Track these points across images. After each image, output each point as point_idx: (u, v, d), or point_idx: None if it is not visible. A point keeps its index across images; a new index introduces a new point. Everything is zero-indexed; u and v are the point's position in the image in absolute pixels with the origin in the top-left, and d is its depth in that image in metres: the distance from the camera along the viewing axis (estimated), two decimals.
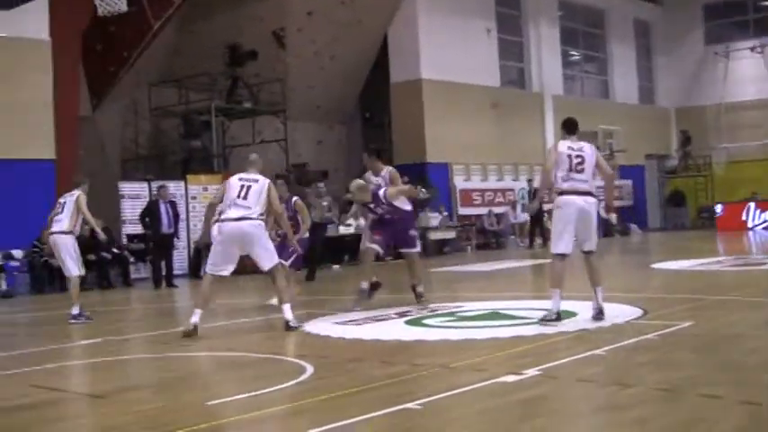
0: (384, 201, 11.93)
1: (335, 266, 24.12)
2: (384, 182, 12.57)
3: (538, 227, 27.95)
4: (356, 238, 25.55)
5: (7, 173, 20.28)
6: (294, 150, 28.58)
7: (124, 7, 11.70)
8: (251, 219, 10.41)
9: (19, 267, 20.50)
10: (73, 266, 13.33)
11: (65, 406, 6.84)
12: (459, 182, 30.79)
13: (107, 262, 20.95)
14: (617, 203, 37.28)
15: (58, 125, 21.66)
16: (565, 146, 9.79)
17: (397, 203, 12.09)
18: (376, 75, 31.35)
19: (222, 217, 10.58)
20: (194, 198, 23.60)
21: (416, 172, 26.54)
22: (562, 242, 9.63)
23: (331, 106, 31.29)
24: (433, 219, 28.14)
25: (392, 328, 10.13)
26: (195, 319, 10.23)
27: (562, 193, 9.68)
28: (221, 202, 10.71)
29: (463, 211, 30.76)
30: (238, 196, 10.46)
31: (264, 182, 10.69)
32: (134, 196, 23.04)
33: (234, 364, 8.49)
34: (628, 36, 40.52)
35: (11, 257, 20.16)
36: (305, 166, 28.57)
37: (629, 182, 38.44)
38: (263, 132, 28.26)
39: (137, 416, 6.22)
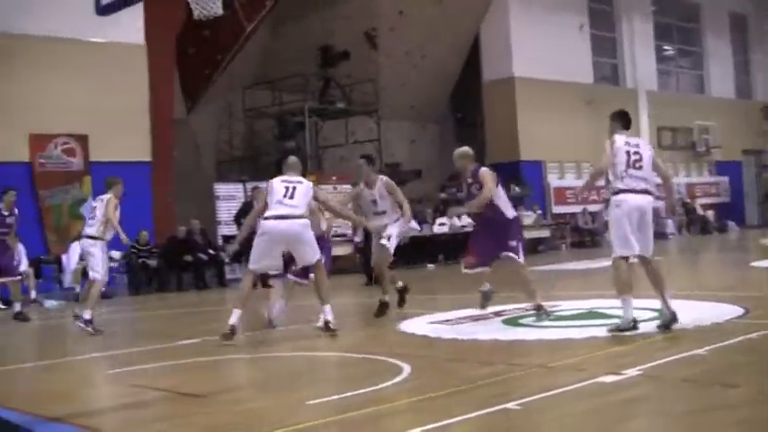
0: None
1: (430, 266, 24.11)
2: (380, 195, 11.73)
3: None
4: (450, 237, 25.62)
5: (107, 175, 20.64)
6: (387, 150, 28.60)
7: (220, 10, 11.80)
8: (296, 217, 10.15)
9: (117, 269, 20.90)
10: (97, 271, 13.13)
11: (167, 405, 6.91)
12: (553, 180, 30.56)
13: (203, 263, 21.25)
14: (714, 200, 36.73)
15: (154, 128, 22.08)
16: (622, 141, 9.02)
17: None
18: (468, 73, 31.26)
19: (266, 215, 10.26)
20: None
21: (510, 170, 26.43)
22: (625, 243, 8.83)
23: (423, 105, 31.26)
24: (527, 217, 27.94)
25: (489, 328, 10.05)
26: (234, 320, 9.97)
27: (619, 192, 8.90)
28: (266, 207, 10.37)
29: (557, 209, 30.52)
30: (285, 196, 10.21)
31: (308, 183, 10.52)
32: (229, 197, 23.33)
33: (331, 364, 8.52)
34: (723, 30, 39.71)
35: (109, 259, 20.53)
36: (398, 165, 28.60)
37: (726, 178, 37.72)
38: (356, 132, 28.34)
39: (239, 415, 6.25)
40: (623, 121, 9.30)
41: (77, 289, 18.93)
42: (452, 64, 31.13)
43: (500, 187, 10.56)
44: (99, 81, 20.84)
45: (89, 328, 12.32)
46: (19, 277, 15.89)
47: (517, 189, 27.81)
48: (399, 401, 6.46)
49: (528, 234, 27.69)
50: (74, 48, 20.65)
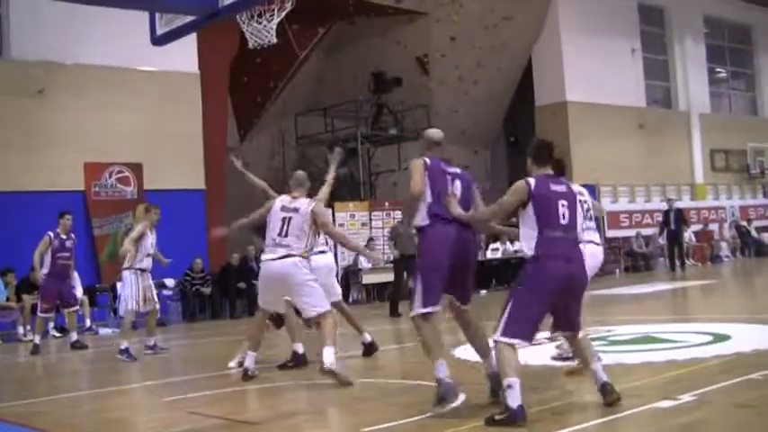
0: None
1: (482, 291, 24.02)
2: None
3: (677, 248, 27.21)
4: (503, 262, 25.55)
5: (160, 203, 20.84)
6: None
7: (274, 39, 11.86)
8: (288, 256, 9.38)
9: (171, 296, 21.08)
10: (123, 304, 13.66)
11: None
12: (607, 204, 30.34)
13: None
14: (763, 223, 36.19)
15: (207, 156, 22.24)
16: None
17: None
18: (520, 98, 31.21)
19: (262, 256, 9.73)
20: (342, 225, 23.80)
21: None
22: None
23: (475, 131, 31.23)
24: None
25: (542, 353, 9.99)
26: (248, 363, 9.61)
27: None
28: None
29: (611, 233, 30.28)
30: (279, 234, 9.54)
31: (307, 208, 9.58)
32: None
33: (386, 391, 8.49)
34: None
35: (164, 286, 20.71)
36: None
37: None
38: (408, 158, 28.35)
39: None
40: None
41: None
42: (504, 89, 31.08)
43: None
44: (153, 109, 21.09)
45: (124, 356, 12.74)
46: (77, 307, 16.07)
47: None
48: (455, 428, 6.41)
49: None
50: (128, 76, 20.92)
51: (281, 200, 9.84)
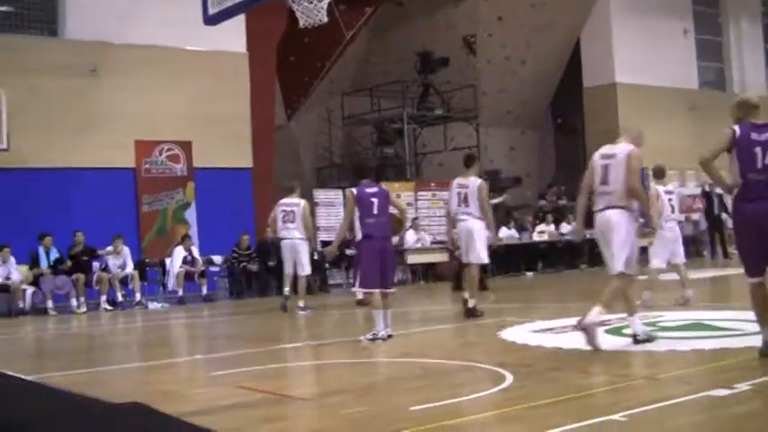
0: None
1: (528, 273, 23.97)
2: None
3: (718, 235, 26.73)
4: (549, 245, 25.45)
5: (208, 181, 21.08)
6: (486, 157, 28.46)
7: (324, 18, 11.92)
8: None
9: (219, 272, 21.23)
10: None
11: (272, 408, 6.96)
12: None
13: None
14: None
15: (255, 134, 22.35)
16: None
17: None
18: (568, 79, 30.98)
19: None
20: None
21: None
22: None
23: (523, 111, 31.08)
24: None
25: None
26: (637, 328, 9.20)
27: None
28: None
29: None
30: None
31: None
32: (328, 204, 23.45)
33: (433, 371, 8.50)
34: None
35: (211, 263, 20.88)
36: (498, 172, 28.49)
37: None
38: (454, 139, 28.32)
39: (343, 419, 6.27)
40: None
41: (180, 292, 19.30)
42: (552, 70, 30.88)
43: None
44: (202, 89, 21.21)
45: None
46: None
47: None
48: (503, 409, 6.41)
49: None
50: (177, 56, 21.07)
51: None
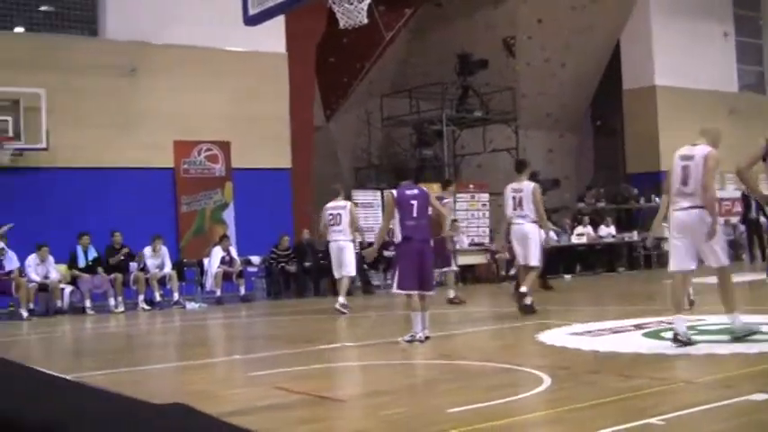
0: None
1: (567, 276, 23.86)
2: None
3: (757, 239, 26.26)
4: (588, 247, 25.34)
5: (248, 181, 21.16)
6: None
7: (365, 19, 11.96)
8: None
9: (257, 273, 21.29)
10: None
11: (309, 409, 6.98)
12: None
13: None
14: None
15: (294, 135, 22.42)
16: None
17: None
18: (607, 81, 30.84)
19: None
20: None
21: (650, 181, 25.94)
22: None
23: (561, 114, 30.95)
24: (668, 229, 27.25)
25: (629, 341, 9.85)
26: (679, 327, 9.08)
27: None
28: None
29: None
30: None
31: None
32: (367, 204, 23.43)
33: (471, 373, 8.48)
34: None
35: (249, 263, 20.94)
36: (536, 174, 28.32)
37: None
38: (493, 141, 28.24)
39: (381, 420, 6.26)
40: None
41: (218, 292, 19.38)
42: (592, 72, 30.74)
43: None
44: (241, 89, 21.29)
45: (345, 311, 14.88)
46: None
47: (657, 200, 27.26)
48: (541, 412, 6.40)
49: (667, 247, 27.12)
50: (217, 57, 21.16)
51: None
